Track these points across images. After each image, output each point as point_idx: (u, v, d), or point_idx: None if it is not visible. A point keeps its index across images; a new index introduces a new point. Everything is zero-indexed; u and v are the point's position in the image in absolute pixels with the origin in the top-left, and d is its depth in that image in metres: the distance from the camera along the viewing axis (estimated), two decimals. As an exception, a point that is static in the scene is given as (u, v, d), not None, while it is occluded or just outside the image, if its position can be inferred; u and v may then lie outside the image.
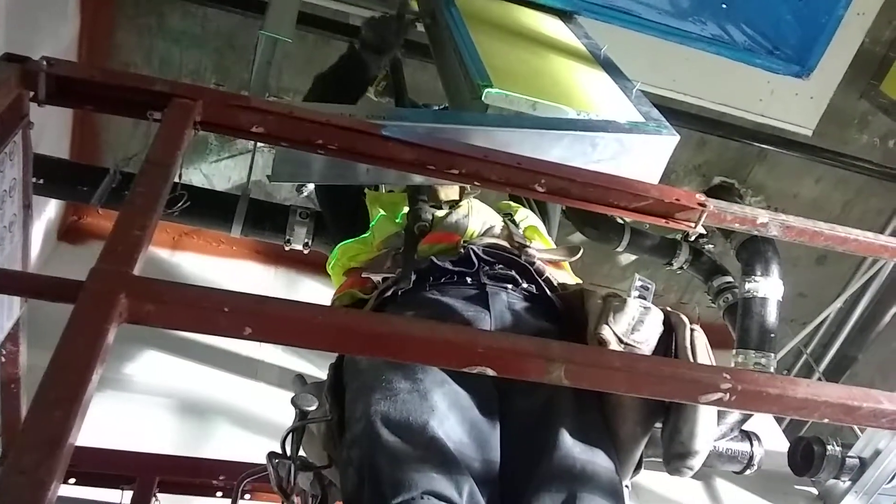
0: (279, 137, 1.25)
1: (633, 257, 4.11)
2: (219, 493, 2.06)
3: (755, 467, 3.25)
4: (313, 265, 3.61)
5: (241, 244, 3.78)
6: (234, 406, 3.00)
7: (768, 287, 3.24)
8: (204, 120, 1.19)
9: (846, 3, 3.08)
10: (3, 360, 1.42)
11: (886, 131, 4.00)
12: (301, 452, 1.43)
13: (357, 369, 1.38)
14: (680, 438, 1.28)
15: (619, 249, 3.64)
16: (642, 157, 1.55)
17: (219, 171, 3.74)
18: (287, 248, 2.95)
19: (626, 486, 1.36)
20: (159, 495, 1.96)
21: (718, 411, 1.46)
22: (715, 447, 3.09)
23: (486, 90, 1.50)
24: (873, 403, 0.98)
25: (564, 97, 1.60)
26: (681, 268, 3.71)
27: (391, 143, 1.26)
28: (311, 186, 2.76)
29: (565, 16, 2.28)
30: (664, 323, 1.36)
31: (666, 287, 4.34)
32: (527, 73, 1.75)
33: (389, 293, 1.53)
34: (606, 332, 1.31)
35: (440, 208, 1.78)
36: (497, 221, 1.76)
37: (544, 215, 2.02)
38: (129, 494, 1.94)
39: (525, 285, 1.56)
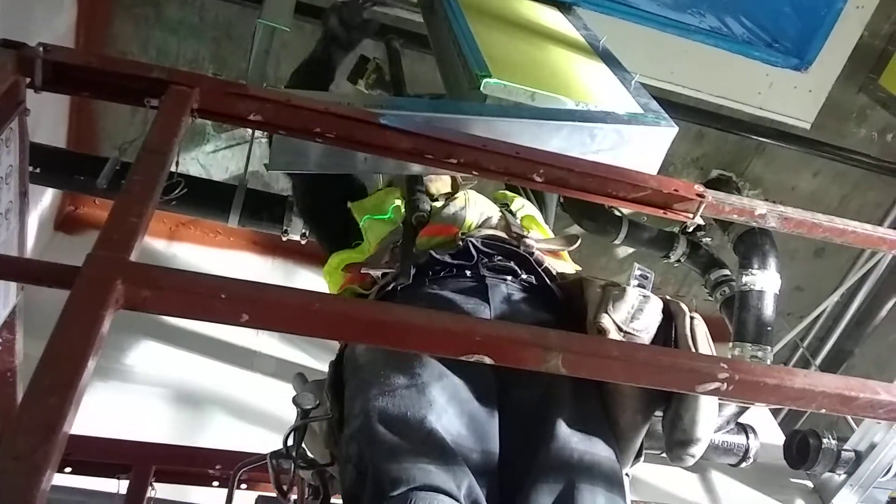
0: (277, 125, 1.24)
1: (631, 250, 4.11)
2: (215, 483, 2.06)
3: (751, 460, 3.26)
4: (310, 255, 3.61)
5: (239, 234, 3.78)
6: (231, 396, 3.01)
7: (765, 280, 3.25)
8: (201, 108, 1.18)
9: (845, -4, 3.08)
10: (0, 348, 1.42)
11: (885, 125, 4.00)
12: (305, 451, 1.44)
13: (356, 366, 1.38)
14: (682, 426, 1.28)
15: (616, 242, 3.64)
16: (641, 148, 1.54)
17: (216, 161, 3.73)
18: (284, 239, 2.95)
19: (627, 475, 1.36)
20: (155, 484, 1.96)
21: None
22: (711, 440, 3.09)
23: (485, 80, 1.50)
24: (870, 394, 0.98)
25: (563, 88, 1.59)
26: (678, 260, 3.71)
27: (389, 132, 1.25)
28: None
29: (564, 7, 2.27)
30: (664, 311, 1.35)
31: (663, 280, 4.34)
32: (525, 63, 1.74)
33: (389, 288, 1.53)
34: (606, 320, 1.30)
35: (435, 201, 1.78)
36: (494, 212, 1.75)
37: (541, 204, 2.02)
38: (125, 483, 1.93)
39: (524, 276, 1.55)
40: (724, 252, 3.71)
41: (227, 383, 3.06)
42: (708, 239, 3.83)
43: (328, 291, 1.80)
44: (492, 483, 1.22)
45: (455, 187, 1.89)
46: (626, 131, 1.53)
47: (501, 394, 1.34)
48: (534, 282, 1.56)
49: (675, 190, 1.34)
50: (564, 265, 1.70)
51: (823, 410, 0.99)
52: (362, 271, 1.63)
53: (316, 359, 3.24)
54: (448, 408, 1.25)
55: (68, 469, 1.89)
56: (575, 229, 3.54)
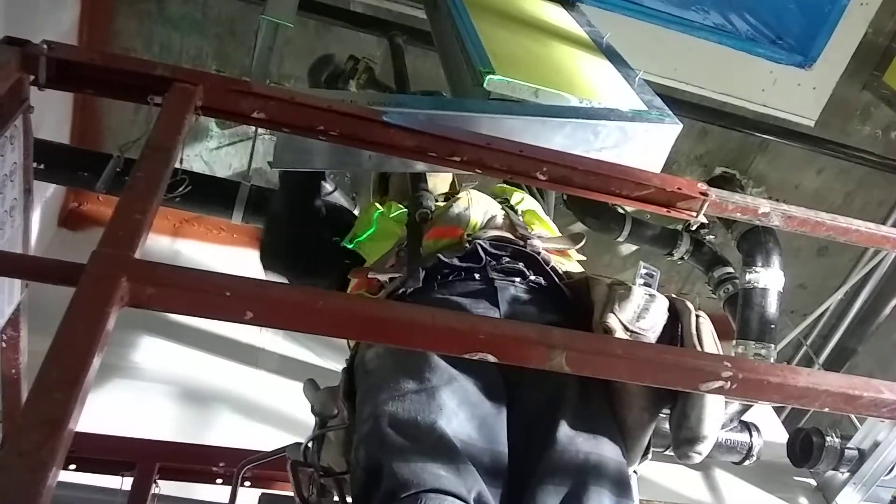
0: (280, 123, 1.24)
1: (634, 248, 4.11)
2: (219, 480, 2.06)
3: (754, 458, 3.26)
4: (313, 253, 3.60)
5: (242, 231, 3.78)
6: (235, 393, 3.01)
7: (769, 278, 3.24)
8: (205, 105, 1.18)
9: (849, -7, 3.07)
10: (4, 345, 1.41)
11: (889, 122, 3.99)
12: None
13: (366, 371, 1.37)
14: (688, 424, 1.28)
15: (619, 239, 3.64)
16: (644, 145, 1.54)
17: (220, 158, 3.73)
18: (287, 236, 2.94)
19: (634, 472, 1.36)
20: (159, 482, 1.96)
21: (720, 400, 1.46)
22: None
23: (489, 77, 1.50)
24: (874, 393, 0.98)
25: (567, 85, 1.59)
26: (681, 258, 3.71)
27: (392, 130, 1.25)
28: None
29: (568, 4, 2.27)
30: (669, 310, 1.35)
31: (667, 278, 4.34)
32: (529, 60, 1.74)
33: (399, 293, 1.52)
34: (612, 320, 1.30)
35: (437, 202, 1.77)
36: (497, 210, 1.74)
37: (541, 194, 2.01)
38: (129, 481, 1.93)
39: (532, 277, 1.55)
40: (728, 250, 3.70)
41: (231, 380, 3.06)
42: (711, 236, 3.83)
43: None
44: (503, 486, 1.21)
45: (454, 186, 1.88)
46: (629, 128, 1.52)
47: (508, 392, 1.33)
48: (542, 283, 1.55)
49: (679, 188, 1.34)
50: (570, 263, 1.69)
51: (827, 409, 0.99)
52: (369, 276, 1.62)
53: (320, 356, 3.24)
54: (458, 412, 1.24)
55: (73, 466, 1.89)
56: (578, 226, 3.53)
